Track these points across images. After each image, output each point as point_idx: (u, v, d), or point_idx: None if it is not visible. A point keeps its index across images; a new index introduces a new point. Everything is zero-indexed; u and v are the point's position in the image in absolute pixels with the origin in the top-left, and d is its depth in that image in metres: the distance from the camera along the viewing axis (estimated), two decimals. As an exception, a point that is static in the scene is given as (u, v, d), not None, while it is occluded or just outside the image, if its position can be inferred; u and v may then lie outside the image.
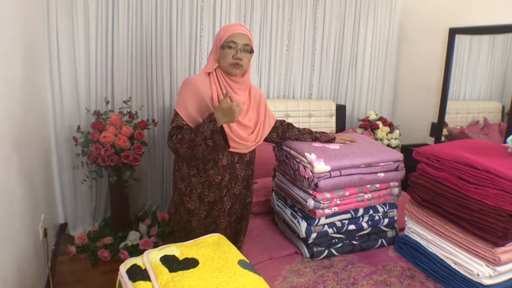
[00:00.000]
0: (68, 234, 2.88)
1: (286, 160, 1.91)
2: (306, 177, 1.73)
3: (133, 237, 2.72)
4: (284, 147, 1.93)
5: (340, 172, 1.74)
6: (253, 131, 1.75)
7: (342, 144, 1.93)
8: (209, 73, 1.69)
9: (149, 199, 3.16)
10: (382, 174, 1.83)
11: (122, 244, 2.67)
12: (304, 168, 1.75)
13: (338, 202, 1.77)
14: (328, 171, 1.72)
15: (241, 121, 1.69)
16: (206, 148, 1.55)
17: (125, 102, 2.70)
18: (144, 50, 2.84)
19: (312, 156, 1.72)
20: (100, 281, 2.37)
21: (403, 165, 1.92)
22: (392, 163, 1.87)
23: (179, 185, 1.76)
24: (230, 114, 1.51)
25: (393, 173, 1.87)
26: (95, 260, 2.56)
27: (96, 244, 2.66)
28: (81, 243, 2.71)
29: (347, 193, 1.78)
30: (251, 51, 1.67)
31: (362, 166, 1.79)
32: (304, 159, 1.76)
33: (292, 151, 1.86)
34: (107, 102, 2.70)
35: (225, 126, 1.62)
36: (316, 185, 1.70)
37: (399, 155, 1.90)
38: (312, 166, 1.70)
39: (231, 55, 1.62)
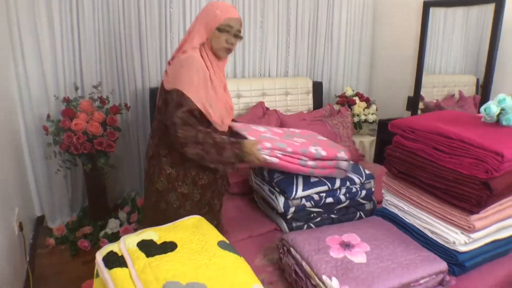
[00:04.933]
0: (46, 226, 2.81)
1: None
2: None
3: (113, 225, 2.68)
4: None
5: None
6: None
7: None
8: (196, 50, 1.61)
9: (128, 185, 3.11)
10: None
11: (102, 233, 2.62)
12: None
13: (279, 155, 1.64)
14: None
15: (230, 103, 1.72)
16: (232, 154, 1.54)
17: (95, 87, 2.60)
18: (112, 31, 2.72)
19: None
20: (82, 271, 2.34)
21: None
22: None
23: (167, 171, 1.65)
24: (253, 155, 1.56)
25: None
26: (75, 251, 2.52)
27: (76, 235, 2.61)
28: (60, 234, 2.65)
29: (289, 149, 1.66)
30: (241, 37, 1.68)
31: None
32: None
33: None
34: (76, 88, 2.60)
35: (215, 114, 1.61)
36: None
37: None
38: None
39: (224, 38, 1.60)
